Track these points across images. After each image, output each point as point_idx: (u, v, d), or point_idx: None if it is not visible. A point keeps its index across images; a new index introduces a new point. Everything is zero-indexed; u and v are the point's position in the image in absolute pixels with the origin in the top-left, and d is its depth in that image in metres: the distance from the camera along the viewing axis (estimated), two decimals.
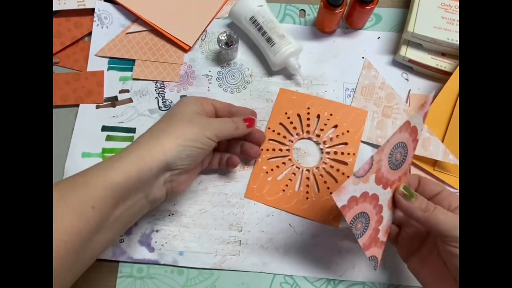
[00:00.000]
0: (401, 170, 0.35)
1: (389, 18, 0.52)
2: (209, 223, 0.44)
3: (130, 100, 0.49)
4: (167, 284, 0.43)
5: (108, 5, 0.53)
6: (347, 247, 0.43)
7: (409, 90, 0.49)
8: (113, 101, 0.49)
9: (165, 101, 0.49)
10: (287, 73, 0.50)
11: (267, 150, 0.46)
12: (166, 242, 0.44)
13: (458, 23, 0.45)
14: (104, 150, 0.47)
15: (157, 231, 0.44)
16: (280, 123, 0.47)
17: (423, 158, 0.45)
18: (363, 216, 0.33)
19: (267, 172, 0.45)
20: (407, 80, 0.49)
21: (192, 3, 0.52)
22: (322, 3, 0.46)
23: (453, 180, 0.44)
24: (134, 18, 0.52)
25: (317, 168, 0.45)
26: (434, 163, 0.45)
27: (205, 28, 0.52)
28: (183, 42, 0.50)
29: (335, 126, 0.46)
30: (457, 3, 0.46)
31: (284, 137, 0.46)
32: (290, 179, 0.45)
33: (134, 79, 0.50)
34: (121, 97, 0.49)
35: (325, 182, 0.44)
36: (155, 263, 0.43)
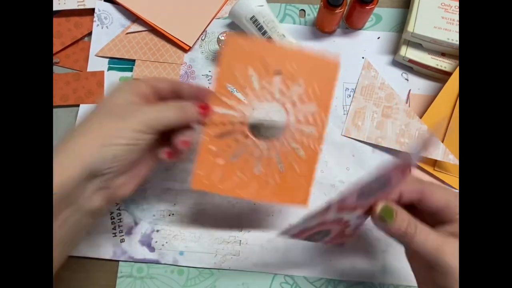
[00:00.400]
0: (380, 193, 0.31)
1: (389, 18, 0.52)
2: (209, 223, 0.44)
3: None
4: (167, 284, 0.43)
5: (108, 5, 0.53)
6: (347, 247, 0.43)
7: (409, 90, 0.49)
8: None
9: None
10: None
11: (217, 125, 0.35)
12: (166, 242, 0.44)
13: (458, 23, 0.45)
14: None
15: (157, 231, 0.44)
16: (229, 86, 0.35)
17: (423, 158, 0.45)
18: (323, 232, 0.32)
19: (216, 154, 0.35)
20: (407, 80, 0.49)
21: (192, 3, 0.52)
22: (322, 3, 0.46)
23: (453, 180, 0.44)
24: (134, 18, 0.52)
25: (280, 143, 0.36)
26: (434, 163, 0.45)
27: (205, 28, 0.52)
28: (183, 42, 0.50)
29: (301, 85, 0.36)
30: (457, 3, 0.46)
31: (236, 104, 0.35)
32: (247, 160, 0.36)
33: (134, 79, 0.50)
34: None
35: (289, 160, 0.36)
36: (156, 262, 0.43)
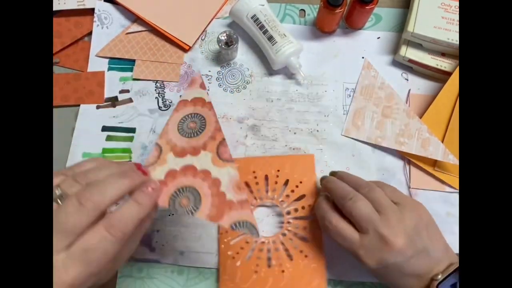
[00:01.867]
0: (204, 135, 0.36)
1: (389, 18, 0.52)
2: (209, 222, 0.44)
3: (130, 100, 0.49)
4: (167, 284, 0.43)
5: (108, 5, 0.53)
6: None
7: (409, 90, 0.49)
8: (113, 101, 0.49)
9: (165, 101, 0.49)
10: (287, 73, 0.50)
11: (227, 232, 0.42)
12: (166, 242, 0.44)
13: (458, 23, 0.45)
14: (105, 150, 0.47)
15: (157, 231, 0.44)
16: None
17: (423, 158, 0.45)
18: (187, 191, 0.32)
19: (233, 258, 0.41)
20: (407, 80, 0.49)
21: (192, 3, 0.52)
22: (322, 3, 0.46)
23: (453, 180, 0.44)
24: (134, 18, 0.52)
25: (283, 234, 0.42)
26: (434, 163, 0.45)
27: (205, 28, 0.52)
28: (183, 42, 0.50)
29: (286, 182, 0.43)
30: (457, 3, 0.46)
31: None
32: (259, 257, 0.41)
33: (134, 79, 0.50)
34: (121, 97, 0.50)
35: (295, 247, 0.41)
36: (156, 262, 0.43)
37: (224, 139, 0.35)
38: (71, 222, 0.25)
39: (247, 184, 0.44)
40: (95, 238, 0.25)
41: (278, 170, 0.44)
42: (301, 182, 0.44)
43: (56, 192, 0.26)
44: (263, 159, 0.45)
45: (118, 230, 0.26)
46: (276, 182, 0.44)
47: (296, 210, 0.43)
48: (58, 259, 0.25)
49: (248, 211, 0.32)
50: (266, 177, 0.44)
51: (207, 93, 0.38)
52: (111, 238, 0.26)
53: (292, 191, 0.43)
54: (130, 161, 0.47)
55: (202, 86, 0.39)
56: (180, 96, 0.38)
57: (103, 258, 0.25)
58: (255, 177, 0.44)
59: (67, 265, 0.25)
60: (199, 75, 0.40)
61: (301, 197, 0.43)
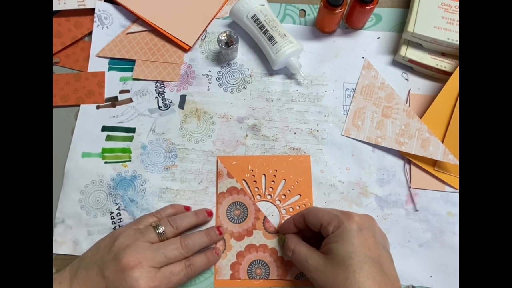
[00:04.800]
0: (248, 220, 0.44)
1: (389, 18, 0.52)
2: (209, 222, 0.44)
3: (130, 100, 0.49)
4: None
5: (108, 5, 0.53)
6: None
7: (409, 90, 0.49)
8: (113, 101, 0.49)
9: (165, 101, 0.49)
10: (287, 73, 0.50)
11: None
12: None
13: (458, 23, 0.45)
14: (104, 150, 0.47)
15: None
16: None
17: (423, 158, 0.45)
18: (257, 263, 0.42)
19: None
20: (407, 80, 0.49)
21: (192, 3, 0.52)
22: (322, 3, 0.46)
23: (453, 180, 0.44)
24: (134, 18, 0.52)
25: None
26: (434, 163, 0.45)
27: (205, 28, 0.52)
28: (183, 42, 0.50)
29: (283, 182, 0.45)
30: (457, 3, 0.46)
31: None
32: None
33: (134, 79, 0.50)
34: (121, 97, 0.50)
35: None
36: None
37: (266, 217, 0.44)
38: (172, 254, 0.37)
39: (245, 182, 0.45)
40: (177, 268, 0.37)
41: (276, 170, 0.45)
42: (297, 182, 0.45)
43: (160, 229, 0.39)
44: (261, 158, 0.46)
45: (191, 269, 0.38)
46: (273, 181, 0.45)
47: (292, 209, 0.44)
48: (151, 270, 0.35)
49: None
50: (264, 176, 0.45)
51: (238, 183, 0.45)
52: (185, 272, 0.38)
53: (289, 190, 0.45)
54: (130, 160, 0.47)
55: (229, 175, 0.45)
56: (218, 187, 0.45)
57: (175, 282, 0.37)
58: (253, 175, 0.45)
59: (152, 278, 0.35)
60: (223, 166, 0.45)
61: (297, 196, 0.45)
